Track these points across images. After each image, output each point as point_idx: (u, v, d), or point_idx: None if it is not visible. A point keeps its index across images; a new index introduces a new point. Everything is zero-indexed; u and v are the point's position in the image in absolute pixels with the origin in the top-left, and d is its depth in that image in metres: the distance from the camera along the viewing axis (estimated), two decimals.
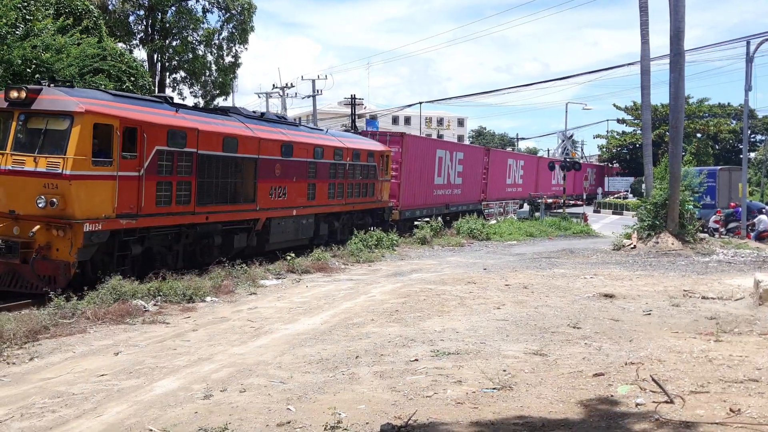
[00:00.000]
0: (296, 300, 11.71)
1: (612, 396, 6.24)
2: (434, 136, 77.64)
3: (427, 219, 27.09)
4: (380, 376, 6.96)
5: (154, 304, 10.69)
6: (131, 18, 34.11)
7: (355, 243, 18.81)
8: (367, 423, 5.58)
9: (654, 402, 5.95)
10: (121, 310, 9.86)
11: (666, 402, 5.93)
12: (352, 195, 20.82)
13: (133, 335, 8.94)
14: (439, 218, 28.45)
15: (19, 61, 16.18)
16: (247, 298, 11.94)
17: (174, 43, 35.06)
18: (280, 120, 18.93)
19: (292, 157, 17.18)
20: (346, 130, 30.20)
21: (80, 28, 19.54)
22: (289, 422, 5.64)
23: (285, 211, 17.07)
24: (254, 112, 17.92)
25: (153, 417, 5.80)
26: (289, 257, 15.57)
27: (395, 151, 24.65)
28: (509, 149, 78.68)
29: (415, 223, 26.39)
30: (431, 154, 28.04)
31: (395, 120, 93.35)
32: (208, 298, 11.52)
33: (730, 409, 5.72)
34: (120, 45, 24.49)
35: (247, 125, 15.79)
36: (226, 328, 9.46)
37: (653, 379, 6.45)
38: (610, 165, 73.11)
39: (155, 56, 34.61)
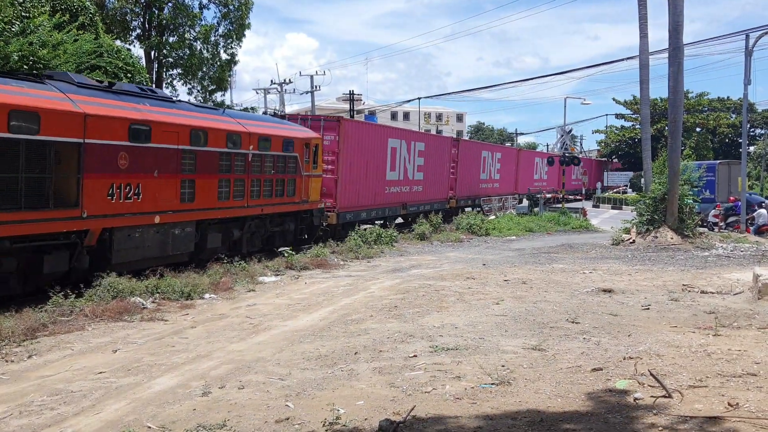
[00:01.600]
0: (295, 296, 11.70)
1: (610, 391, 6.23)
2: (433, 132, 77.31)
3: (380, 221, 24.01)
4: (379, 372, 6.96)
5: (152, 302, 10.68)
6: (128, 14, 34.00)
7: (354, 239, 18.80)
8: (365, 419, 5.58)
9: (652, 396, 5.95)
10: (119, 308, 9.86)
11: (664, 396, 5.93)
12: (260, 195, 16.34)
13: (131, 332, 8.93)
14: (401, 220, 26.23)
15: (16, 58, 16.12)
16: (245, 294, 11.94)
17: (171, 40, 34.98)
18: (143, 93, 13.90)
19: (150, 142, 12.81)
20: (273, 115, 26.04)
21: (76, 24, 19.47)
22: (287, 418, 5.64)
23: (139, 218, 12.63)
24: (100, 82, 13.55)
25: (151, 414, 5.80)
26: (287, 253, 15.56)
27: (330, 140, 20.48)
28: (508, 144, 78.58)
29: (363, 227, 22.27)
30: (381, 144, 23.70)
31: (394, 116, 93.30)
32: (207, 295, 11.51)
33: (729, 404, 5.72)
34: (117, 42, 24.40)
35: (69, 96, 11.41)
36: (224, 325, 9.45)
37: (651, 374, 6.44)
38: (610, 160, 73.11)
39: (152, 53, 34.53)
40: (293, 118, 21.62)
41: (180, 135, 13.59)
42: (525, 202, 38.22)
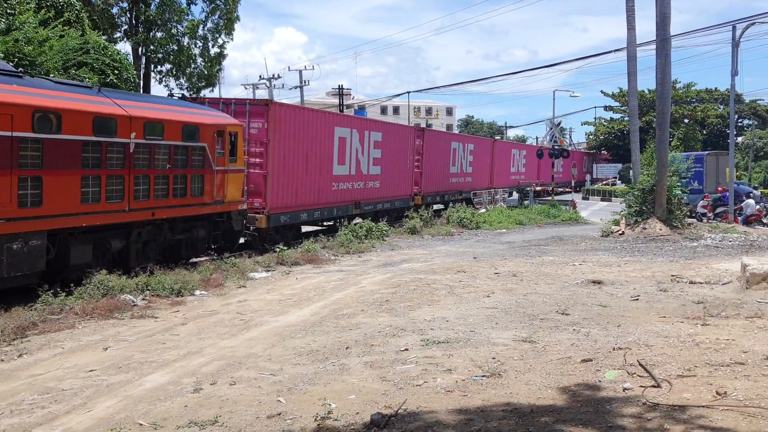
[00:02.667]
0: (286, 292, 11.70)
1: (600, 381, 6.28)
2: (423, 125, 77.11)
3: (328, 222, 21.78)
4: (370, 366, 6.98)
5: (143, 299, 10.66)
6: (114, 10, 33.74)
7: (344, 234, 18.80)
8: (357, 413, 5.60)
9: (641, 386, 6.00)
10: (110, 305, 9.83)
11: (653, 386, 5.99)
12: (150, 195, 13.11)
13: (121, 330, 8.91)
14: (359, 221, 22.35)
15: (1, 55, 16.01)
16: (236, 291, 11.93)
17: (158, 35, 34.76)
18: None
19: None
20: (181, 98, 18.76)
21: (62, 20, 19.35)
22: (279, 414, 5.65)
23: None
24: None
25: (143, 411, 5.80)
26: (278, 249, 15.55)
27: (258, 128, 17.22)
28: (498, 138, 78.69)
29: (303, 230, 20.71)
30: (325, 133, 20.52)
31: (384, 110, 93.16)
32: (197, 292, 11.49)
33: (717, 392, 5.78)
34: (104, 38, 24.22)
35: None
36: (215, 321, 9.45)
37: (640, 364, 6.50)
38: (599, 152, 73.35)
39: (140, 49, 34.30)
40: (215, 102, 17.88)
41: (16, 118, 10.29)
42: (515, 195, 38.24)
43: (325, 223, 21.93)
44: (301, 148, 19.01)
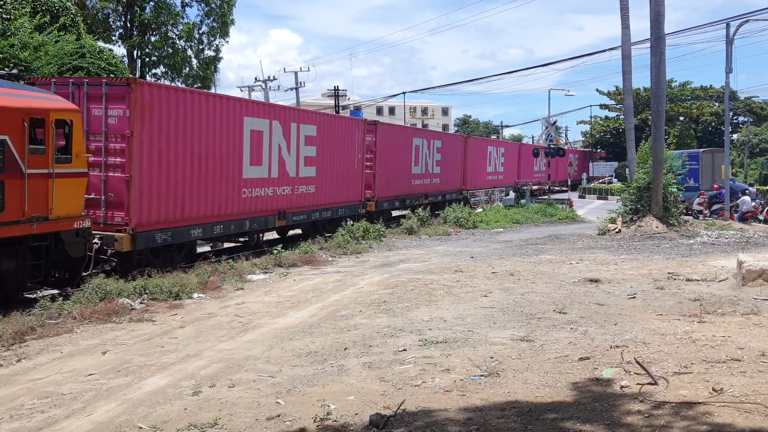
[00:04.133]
0: (284, 294, 11.72)
1: (597, 379, 6.32)
2: (419, 126, 76.65)
3: (242, 238, 17.93)
4: (369, 367, 7.01)
5: (141, 302, 10.67)
6: (110, 14, 33.75)
7: (342, 234, 18.82)
8: (356, 413, 5.63)
9: (638, 384, 6.03)
10: (108, 309, 9.83)
11: (650, 384, 6.02)
12: None
13: (120, 334, 8.92)
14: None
15: None
16: (234, 293, 11.94)
17: (153, 39, 34.77)
18: None
19: None
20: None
21: (57, 25, 19.35)
22: (278, 415, 5.67)
23: None
24: None
25: (142, 415, 5.82)
26: (275, 250, 15.56)
27: (118, 117, 12.99)
28: (494, 137, 78.66)
29: (223, 246, 17.94)
30: (230, 126, 15.69)
31: (380, 110, 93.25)
32: (195, 295, 11.50)
33: (713, 389, 5.81)
34: (99, 42, 24.22)
35: None
36: (213, 324, 9.46)
37: (637, 362, 6.53)
38: (594, 150, 73.47)
39: (135, 52, 34.31)
40: (45, 82, 13.36)
41: None
42: (512, 195, 38.22)
43: (240, 239, 18.07)
44: (189, 144, 14.31)
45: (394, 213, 26.96)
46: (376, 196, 24.06)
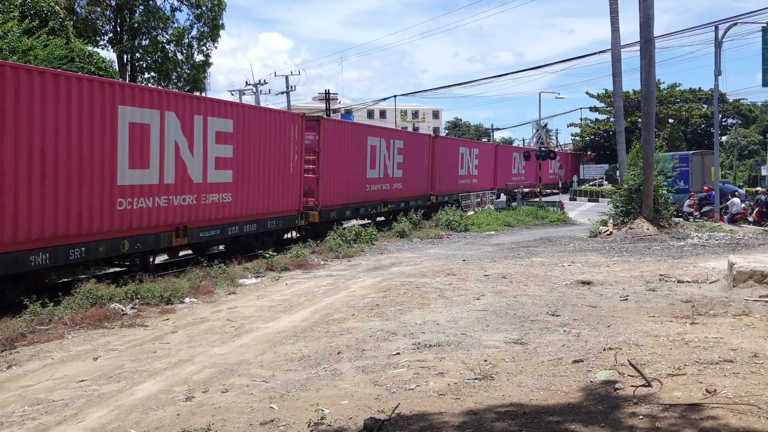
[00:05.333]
0: (276, 298, 11.68)
1: (591, 382, 6.32)
2: (410, 129, 76.36)
3: (124, 261, 14.13)
4: (362, 371, 6.98)
5: (132, 307, 10.60)
6: (98, 19, 33.61)
7: (333, 238, 18.79)
8: (350, 418, 5.60)
9: (632, 386, 6.04)
10: (99, 315, 9.77)
11: (644, 385, 6.03)
12: None
13: (111, 339, 8.86)
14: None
15: None
16: (226, 297, 11.89)
17: (143, 43, 34.65)
18: None
19: None
20: None
21: (46, 29, 19.24)
22: (272, 420, 5.64)
23: None
24: None
25: (135, 421, 5.77)
26: (267, 254, 15.53)
27: None
28: (485, 140, 78.73)
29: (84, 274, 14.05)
30: (98, 116, 12.30)
31: (370, 114, 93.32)
32: (187, 299, 11.45)
33: (707, 390, 5.83)
34: (89, 47, 24.10)
35: None
36: (206, 328, 9.41)
37: (631, 364, 6.54)
38: (585, 153, 73.79)
39: (125, 56, 34.18)
40: None
41: None
42: (503, 197, 38.28)
43: (124, 263, 14.31)
44: (27, 141, 10.91)
45: (346, 224, 23.49)
46: (319, 204, 20.59)
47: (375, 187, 24.91)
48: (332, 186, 21.50)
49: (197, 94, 19.56)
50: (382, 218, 26.52)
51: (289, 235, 20.52)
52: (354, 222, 24.26)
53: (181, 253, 16.95)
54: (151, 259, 14.71)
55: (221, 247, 18.07)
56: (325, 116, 23.94)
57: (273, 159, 18.04)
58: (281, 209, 18.58)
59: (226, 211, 16.11)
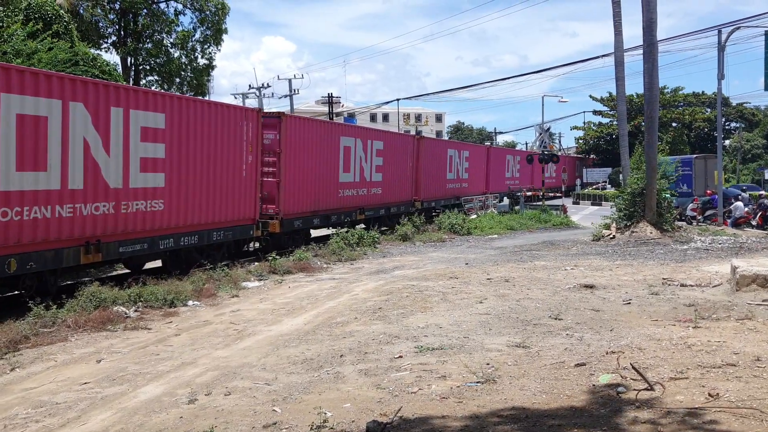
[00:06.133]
0: (279, 301, 11.69)
1: (594, 385, 6.32)
2: (413, 133, 76.43)
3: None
4: (365, 374, 6.99)
5: (135, 310, 10.62)
6: (102, 22, 33.72)
7: (336, 241, 18.80)
8: (353, 421, 5.61)
9: (635, 390, 6.04)
10: (102, 317, 9.80)
11: (646, 389, 6.03)
12: None
13: (115, 342, 8.88)
14: None
15: None
16: (229, 300, 11.91)
17: (147, 46, 34.76)
18: None
19: None
20: None
21: (50, 32, 19.33)
22: (275, 423, 5.65)
23: None
24: None
25: (138, 423, 5.78)
26: (270, 257, 15.54)
27: None
28: (487, 143, 78.72)
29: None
30: None
31: (373, 117, 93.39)
32: (190, 302, 11.47)
33: (709, 394, 5.82)
34: (93, 51, 24.18)
35: None
36: (208, 331, 9.43)
37: (634, 367, 6.53)
38: (588, 156, 73.73)
39: (129, 60, 34.29)
40: None
41: None
42: (506, 201, 38.24)
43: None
44: None
45: (315, 233, 21.86)
46: (281, 212, 18.37)
47: (349, 192, 22.72)
48: (297, 191, 19.29)
49: (118, 83, 15.99)
50: (361, 226, 23.58)
51: (252, 246, 18.39)
52: (326, 231, 22.38)
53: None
54: (55, 282, 12.36)
55: (159, 262, 15.77)
56: (286, 112, 20.55)
57: (220, 160, 15.65)
58: (232, 218, 16.23)
59: (156, 221, 13.83)
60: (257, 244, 17.91)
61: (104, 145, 12.48)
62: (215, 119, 15.53)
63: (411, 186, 28.19)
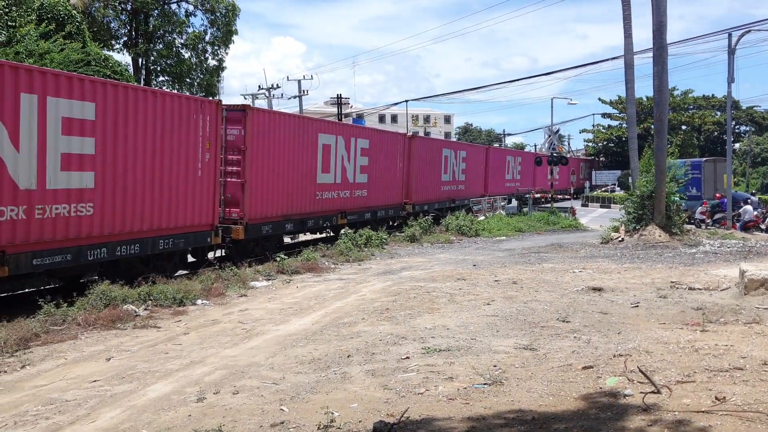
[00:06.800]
0: (287, 301, 11.74)
1: (601, 388, 6.33)
2: (421, 134, 76.28)
3: None
4: (372, 375, 7.02)
5: (145, 309, 10.70)
6: (114, 23, 33.96)
7: (344, 242, 18.84)
8: (360, 421, 5.64)
9: (642, 393, 6.04)
10: (112, 316, 9.87)
11: (653, 392, 6.03)
12: None
13: (124, 340, 8.95)
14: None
15: None
16: (237, 300, 11.97)
17: (158, 47, 34.96)
18: None
19: None
20: None
21: (63, 33, 19.48)
22: (282, 423, 5.69)
23: None
24: None
25: (147, 421, 5.84)
26: (279, 258, 15.60)
27: None
28: (496, 145, 78.59)
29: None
30: None
31: (382, 118, 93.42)
32: (199, 301, 11.54)
33: (716, 398, 5.82)
34: (105, 51, 24.35)
35: None
36: (217, 330, 9.49)
37: (641, 370, 6.54)
38: (597, 159, 73.58)
39: (140, 60, 34.50)
40: None
41: None
42: (514, 203, 38.20)
43: None
44: None
45: (288, 239, 20.40)
46: (246, 216, 16.40)
47: (329, 195, 20.71)
48: (265, 193, 17.31)
49: (32, 65, 13.10)
50: (343, 231, 21.29)
51: (218, 254, 16.50)
52: (304, 236, 21.09)
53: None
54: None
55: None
56: (252, 105, 19.24)
57: (168, 158, 13.72)
58: (183, 224, 14.26)
59: (83, 228, 11.88)
60: (221, 252, 16.29)
61: (11, 137, 10.43)
62: (162, 111, 13.48)
63: (401, 188, 26.41)
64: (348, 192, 22.04)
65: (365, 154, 23.02)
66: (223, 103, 16.03)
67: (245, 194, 16.36)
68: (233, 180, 16.23)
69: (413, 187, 27.10)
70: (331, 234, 22.46)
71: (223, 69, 37.59)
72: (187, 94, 15.73)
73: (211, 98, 15.32)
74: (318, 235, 21.62)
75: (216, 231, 15.32)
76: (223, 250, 16.36)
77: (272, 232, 17.91)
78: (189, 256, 15.78)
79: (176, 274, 13.37)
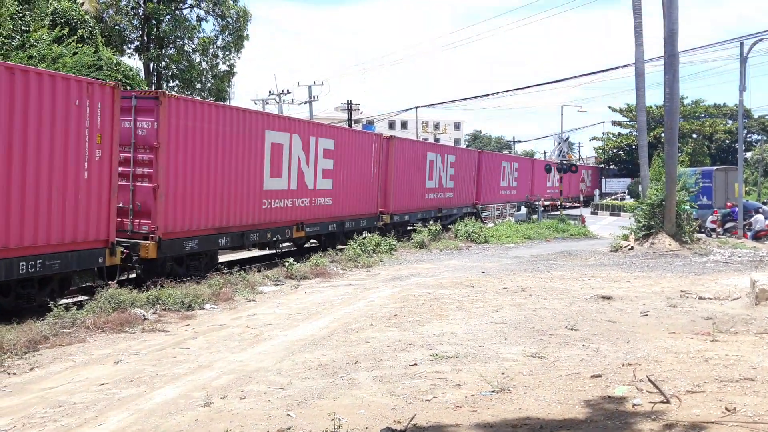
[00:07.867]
0: (295, 306, 11.75)
1: (609, 397, 6.29)
2: (431, 141, 75.94)
3: None
4: (380, 381, 7.01)
5: (153, 313, 10.73)
6: (125, 28, 34.20)
7: (353, 248, 18.83)
8: (367, 428, 5.63)
9: (651, 402, 6.00)
10: (121, 319, 9.90)
11: (662, 402, 5.99)
12: None
13: (132, 344, 8.97)
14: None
15: None
16: (246, 304, 11.98)
17: (170, 52, 35.17)
18: None
19: None
20: None
21: (75, 37, 19.64)
22: (289, 428, 5.68)
23: None
24: None
25: (154, 425, 5.84)
26: (287, 263, 15.62)
27: None
28: (506, 152, 78.52)
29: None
30: None
31: (392, 124, 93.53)
32: (207, 306, 11.55)
33: (726, 408, 5.77)
34: (116, 56, 24.52)
35: None
36: (225, 335, 9.49)
37: (650, 380, 6.50)
38: (607, 167, 73.35)
39: (151, 65, 34.71)
40: None
41: None
42: (523, 210, 38.10)
43: None
44: None
45: (224, 257, 17.61)
46: (159, 229, 13.31)
47: (281, 203, 17.57)
48: (188, 201, 14.13)
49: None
50: (305, 246, 19.29)
51: (133, 275, 13.71)
52: (252, 253, 18.15)
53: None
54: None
55: None
56: (168, 91, 16.07)
57: (34, 155, 10.49)
58: (61, 240, 11.08)
59: None
60: (136, 272, 13.49)
61: None
62: (24, 94, 10.23)
63: (377, 196, 23.23)
64: (306, 200, 18.81)
65: (330, 156, 19.84)
66: (153, 90, 12.98)
67: (158, 202, 13.23)
68: (144, 184, 13.29)
69: (391, 194, 24.05)
70: (291, 248, 20.23)
71: (233, 74, 37.76)
72: (71, 74, 12.64)
73: (106, 81, 12.02)
74: (278, 250, 18.90)
75: (112, 249, 12.02)
76: (135, 271, 13.52)
77: (199, 248, 14.58)
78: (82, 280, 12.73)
79: (60, 303, 10.56)
